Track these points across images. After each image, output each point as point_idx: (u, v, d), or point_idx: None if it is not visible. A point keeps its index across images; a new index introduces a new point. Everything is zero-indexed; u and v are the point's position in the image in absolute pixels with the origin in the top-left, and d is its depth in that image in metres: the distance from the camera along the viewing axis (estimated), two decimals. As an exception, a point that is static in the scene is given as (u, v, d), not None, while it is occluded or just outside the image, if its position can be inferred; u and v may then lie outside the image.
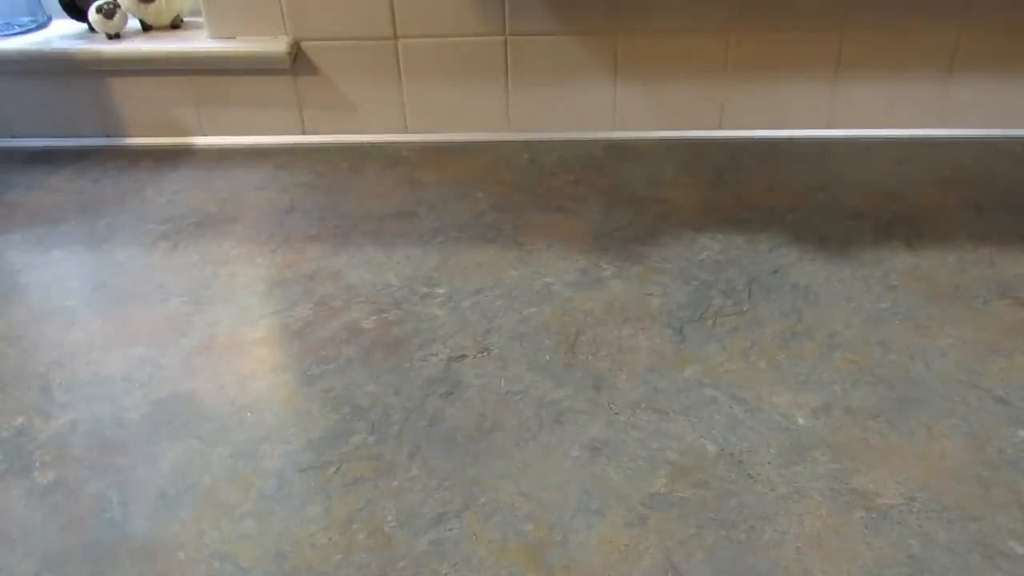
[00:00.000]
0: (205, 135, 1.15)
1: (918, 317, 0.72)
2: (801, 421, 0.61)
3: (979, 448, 0.58)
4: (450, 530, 0.54)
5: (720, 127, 1.07)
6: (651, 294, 0.76)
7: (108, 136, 1.16)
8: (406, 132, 1.12)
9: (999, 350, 0.67)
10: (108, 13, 1.10)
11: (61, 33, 1.16)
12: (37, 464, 0.61)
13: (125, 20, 1.12)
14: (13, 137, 1.17)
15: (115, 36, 1.12)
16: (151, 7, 1.12)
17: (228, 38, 1.08)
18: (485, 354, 0.70)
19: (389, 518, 0.55)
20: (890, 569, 0.50)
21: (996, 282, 0.76)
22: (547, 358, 0.69)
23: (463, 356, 0.70)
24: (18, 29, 1.16)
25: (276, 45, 1.06)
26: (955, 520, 0.53)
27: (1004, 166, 0.98)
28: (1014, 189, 0.92)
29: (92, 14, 1.11)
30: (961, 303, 0.73)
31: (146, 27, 1.15)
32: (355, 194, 0.99)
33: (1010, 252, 0.80)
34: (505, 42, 1.04)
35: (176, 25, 1.16)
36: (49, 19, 1.20)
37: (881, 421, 0.61)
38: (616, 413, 0.63)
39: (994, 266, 0.78)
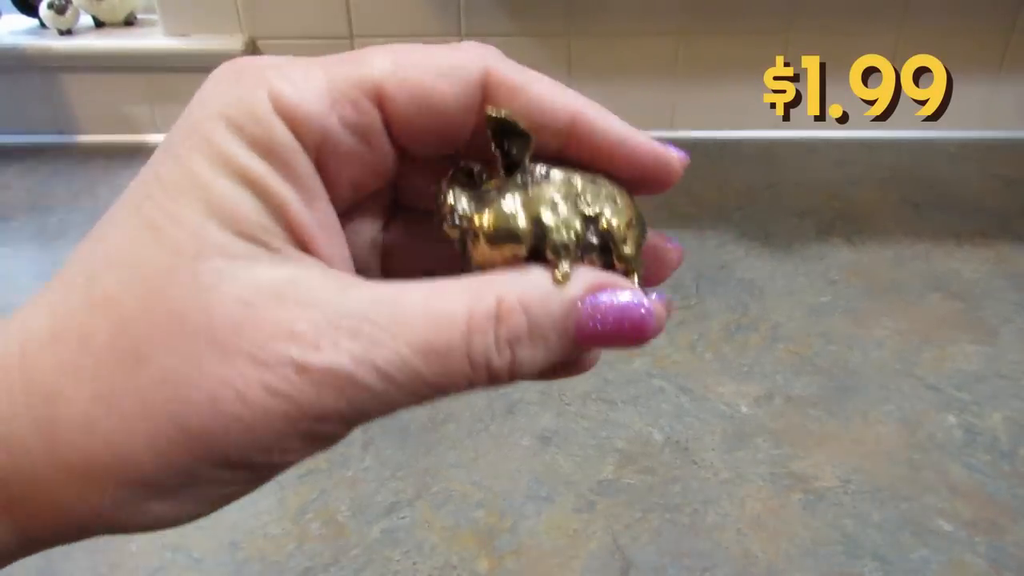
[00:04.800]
0: (159, 132, 1.14)
1: (857, 310, 0.75)
2: (744, 409, 0.63)
3: (911, 433, 0.61)
4: (403, 518, 0.55)
5: (672, 127, 1.10)
6: (602, 289, 0.78)
7: (60, 133, 1.14)
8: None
9: (932, 340, 0.70)
10: (60, 9, 1.08)
11: (11, 29, 1.14)
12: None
13: (77, 16, 1.11)
14: (-40, 134, 1.15)
15: (67, 32, 1.11)
16: (104, 3, 1.11)
17: (182, 35, 1.08)
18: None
19: (342, 508, 0.56)
20: (825, 547, 0.52)
21: (931, 276, 0.79)
22: (500, 351, 0.70)
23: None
24: (-35, 24, 1.14)
25: (231, 43, 1.06)
26: (887, 500, 0.55)
27: (940, 166, 1.02)
28: (949, 188, 0.96)
29: (43, 10, 1.09)
30: (897, 296, 0.77)
31: (99, 23, 1.14)
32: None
33: (944, 248, 0.84)
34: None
35: (130, 22, 1.15)
36: (-2, 14, 1.18)
37: (820, 408, 0.63)
38: (567, 404, 0.64)
39: (929, 261, 0.82)
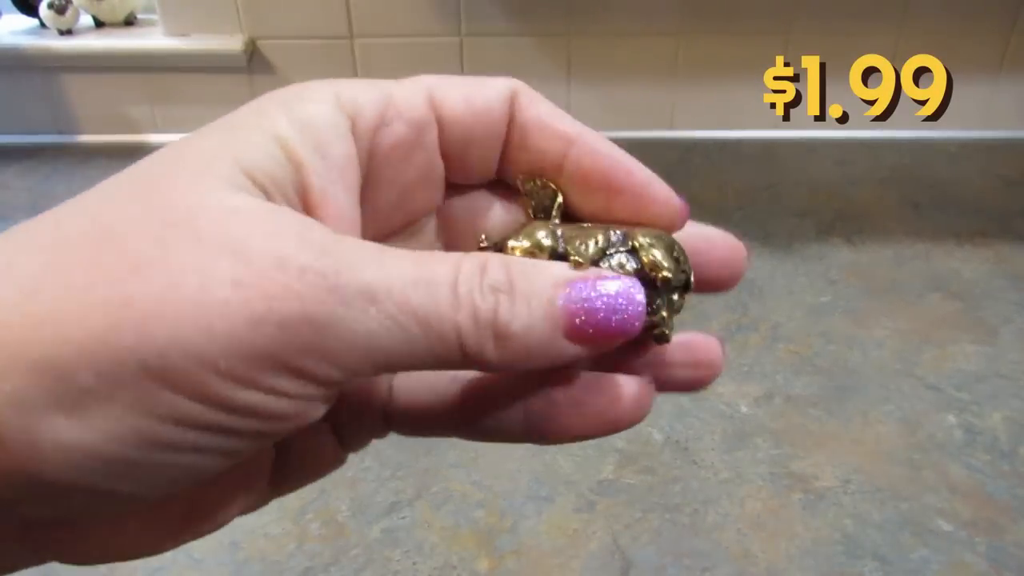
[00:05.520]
0: (159, 132, 1.14)
1: (857, 310, 0.75)
2: (744, 409, 0.63)
3: (911, 432, 0.61)
4: (403, 518, 0.55)
5: (671, 127, 1.10)
6: (602, 289, 0.78)
7: (59, 133, 1.14)
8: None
9: (932, 340, 0.70)
10: (60, 9, 1.08)
11: (11, 29, 1.14)
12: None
13: (77, 16, 1.11)
14: (-40, 134, 1.15)
15: (67, 32, 1.11)
16: (104, 3, 1.11)
17: (182, 35, 1.08)
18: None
19: (343, 508, 0.56)
20: (825, 547, 0.52)
21: (930, 276, 0.79)
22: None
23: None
24: (-35, 24, 1.14)
25: (231, 43, 1.06)
26: (887, 500, 0.55)
27: (940, 166, 1.02)
28: (949, 188, 0.96)
29: (43, 10, 1.09)
30: (897, 296, 0.77)
31: (99, 23, 1.14)
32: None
33: (944, 247, 0.84)
34: (460, 43, 1.05)
35: (130, 22, 1.15)
36: (-2, 14, 1.18)
37: (820, 408, 0.63)
38: (567, 404, 0.64)
39: (929, 261, 0.82)
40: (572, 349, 0.18)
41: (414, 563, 0.52)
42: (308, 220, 0.17)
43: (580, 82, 1.08)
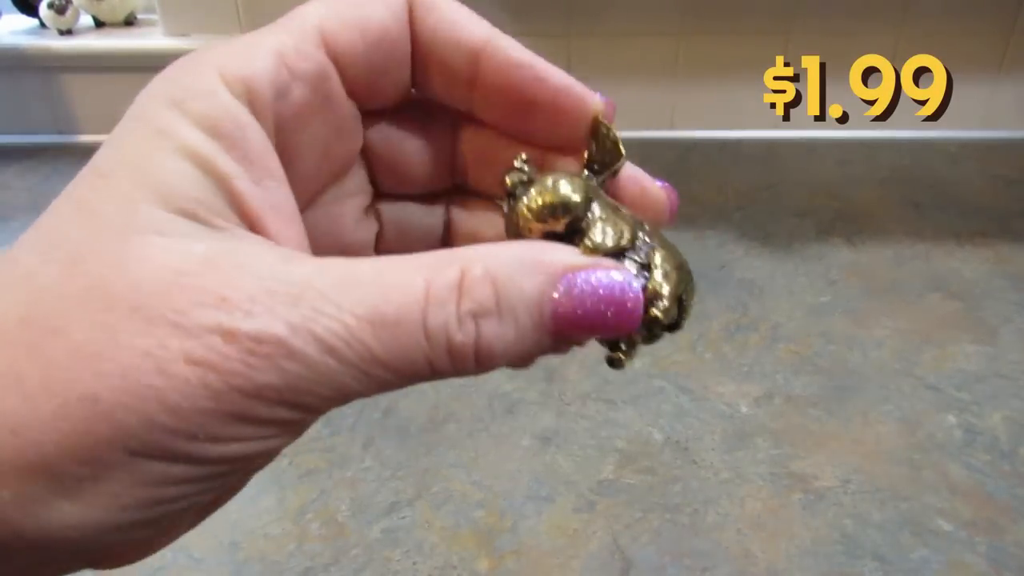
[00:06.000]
0: (159, 133, 1.14)
1: (857, 310, 0.75)
2: (744, 409, 0.63)
3: (911, 432, 0.61)
4: (403, 518, 0.55)
5: (671, 127, 1.10)
6: (602, 289, 0.78)
7: (60, 133, 1.14)
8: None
9: (932, 340, 0.70)
10: (60, 9, 1.09)
11: (11, 29, 1.14)
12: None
13: (77, 16, 1.11)
14: (-40, 134, 1.15)
15: (67, 32, 1.11)
16: (104, 3, 1.11)
17: (183, 35, 1.08)
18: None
19: (342, 507, 0.56)
20: (825, 547, 0.52)
21: (930, 276, 0.79)
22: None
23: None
24: (-34, 24, 1.14)
25: (231, 43, 1.05)
26: (887, 500, 0.55)
27: (940, 166, 1.02)
28: (949, 188, 0.96)
29: (43, 10, 1.09)
30: (897, 296, 0.77)
31: (99, 23, 1.14)
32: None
33: (945, 247, 0.84)
34: (461, 42, 1.05)
35: (130, 22, 1.15)
36: (-2, 14, 1.19)
37: (820, 408, 0.63)
38: (567, 404, 0.64)
39: (929, 261, 0.82)
40: (557, 344, 0.18)
41: (414, 563, 0.52)
42: (248, 257, 0.16)
43: (580, 82, 1.08)
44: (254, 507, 0.55)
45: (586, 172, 0.20)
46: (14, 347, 0.15)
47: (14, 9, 1.15)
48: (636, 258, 0.19)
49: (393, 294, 0.15)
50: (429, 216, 0.23)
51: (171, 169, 0.16)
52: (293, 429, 0.16)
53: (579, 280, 0.17)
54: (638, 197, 0.21)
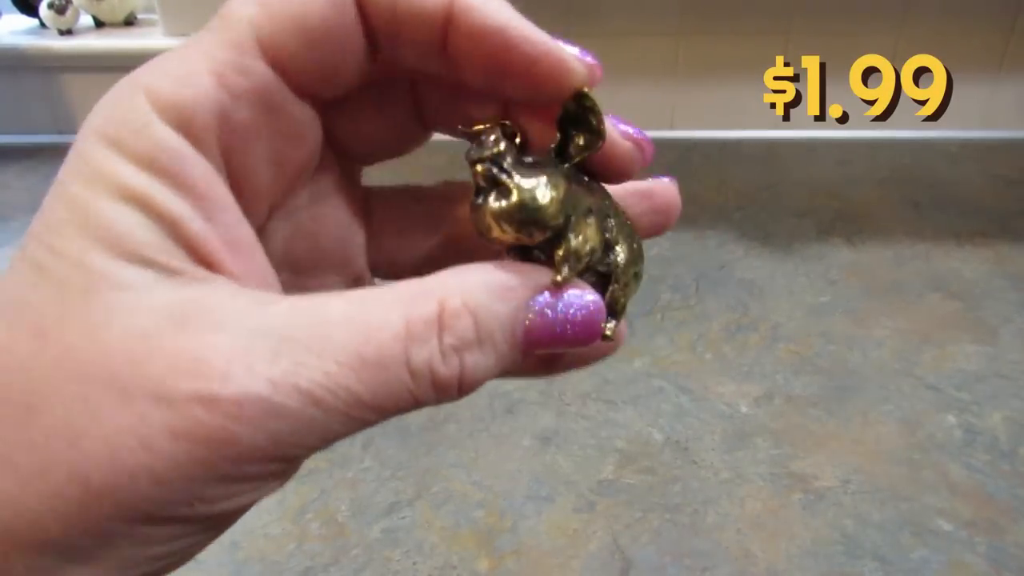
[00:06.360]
0: (159, 133, 1.14)
1: (857, 310, 0.75)
2: (744, 409, 0.63)
3: (911, 432, 0.61)
4: (403, 518, 0.55)
5: (671, 127, 1.10)
6: (602, 289, 0.78)
7: (60, 133, 1.14)
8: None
9: (932, 340, 0.70)
10: (60, 9, 1.09)
11: (11, 29, 1.14)
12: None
13: (77, 16, 1.11)
14: (-40, 134, 1.15)
15: (67, 32, 1.11)
16: (104, 3, 1.11)
17: (182, 35, 1.08)
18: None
19: (343, 508, 0.56)
20: (825, 547, 0.52)
21: (930, 276, 0.79)
22: (500, 351, 0.70)
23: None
24: (-34, 24, 1.15)
25: (231, 43, 1.05)
26: (887, 500, 0.55)
27: (940, 166, 1.02)
28: (949, 188, 0.96)
29: (43, 10, 1.09)
30: (897, 296, 0.77)
31: (99, 23, 1.14)
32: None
33: (944, 247, 0.84)
34: (461, 42, 1.05)
35: (130, 22, 1.15)
36: (-2, 14, 1.19)
37: (820, 408, 0.63)
38: (567, 404, 0.64)
39: (929, 261, 0.82)
40: (528, 359, 0.18)
41: (414, 563, 0.52)
42: (214, 308, 0.15)
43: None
44: (254, 507, 0.55)
45: (559, 156, 0.19)
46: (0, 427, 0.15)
47: (14, 9, 1.16)
48: (600, 268, 0.19)
49: (373, 334, 0.15)
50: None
51: (115, 217, 0.15)
52: (282, 476, 0.16)
53: (551, 304, 0.17)
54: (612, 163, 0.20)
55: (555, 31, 0.19)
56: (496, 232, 0.18)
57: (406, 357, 0.15)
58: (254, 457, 0.15)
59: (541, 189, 0.17)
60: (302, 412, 0.15)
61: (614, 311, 0.20)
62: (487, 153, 0.17)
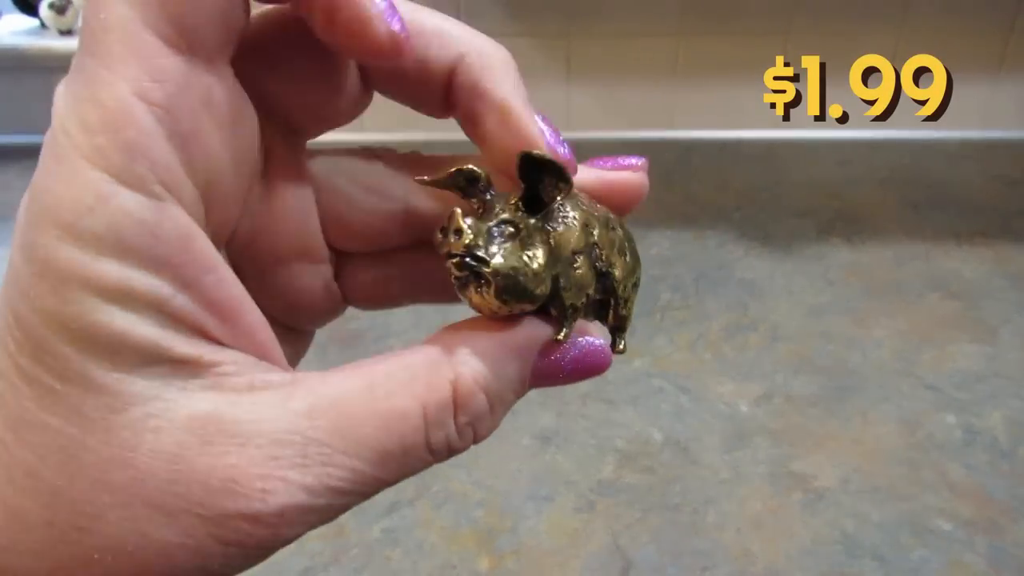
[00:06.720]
0: (159, 133, 1.14)
1: (856, 310, 0.75)
2: (744, 409, 0.64)
3: (911, 432, 0.61)
4: (403, 518, 0.55)
5: (671, 127, 1.10)
6: (602, 289, 0.78)
7: (60, 133, 1.14)
8: (362, 131, 1.13)
9: (931, 340, 0.70)
10: (60, 9, 1.09)
11: (11, 29, 1.14)
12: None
13: (77, 16, 1.11)
14: (-39, 134, 1.15)
15: (67, 32, 1.11)
16: (104, 4, 1.11)
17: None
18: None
19: (343, 507, 0.56)
20: (825, 547, 0.52)
21: (930, 276, 0.79)
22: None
23: (417, 350, 0.71)
24: (-34, 24, 1.15)
25: (231, 43, 1.05)
26: (887, 500, 0.55)
27: (940, 166, 1.02)
28: (949, 188, 0.96)
29: (43, 10, 1.09)
30: (897, 296, 0.77)
31: (99, 24, 1.14)
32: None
33: (944, 247, 0.84)
34: (461, 42, 1.05)
35: (130, 22, 1.15)
36: (-2, 14, 1.19)
37: (819, 408, 0.63)
38: (567, 404, 0.65)
39: (928, 261, 0.82)
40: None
41: (414, 563, 0.52)
42: (236, 418, 0.16)
43: (580, 83, 1.08)
44: (254, 507, 0.56)
45: (528, 207, 0.18)
46: (54, 547, 0.15)
47: (14, 9, 1.16)
48: (598, 296, 0.19)
49: (395, 426, 0.16)
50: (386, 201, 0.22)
51: (102, 321, 0.14)
52: None
53: (557, 354, 0.19)
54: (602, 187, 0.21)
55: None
56: (487, 313, 0.18)
57: (426, 442, 0.17)
58: (294, 539, 0.17)
59: (521, 266, 0.17)
60: (335, 504, 0.16)
61: (622, 327, 0.20)
62: (460, 247, 0.17)
